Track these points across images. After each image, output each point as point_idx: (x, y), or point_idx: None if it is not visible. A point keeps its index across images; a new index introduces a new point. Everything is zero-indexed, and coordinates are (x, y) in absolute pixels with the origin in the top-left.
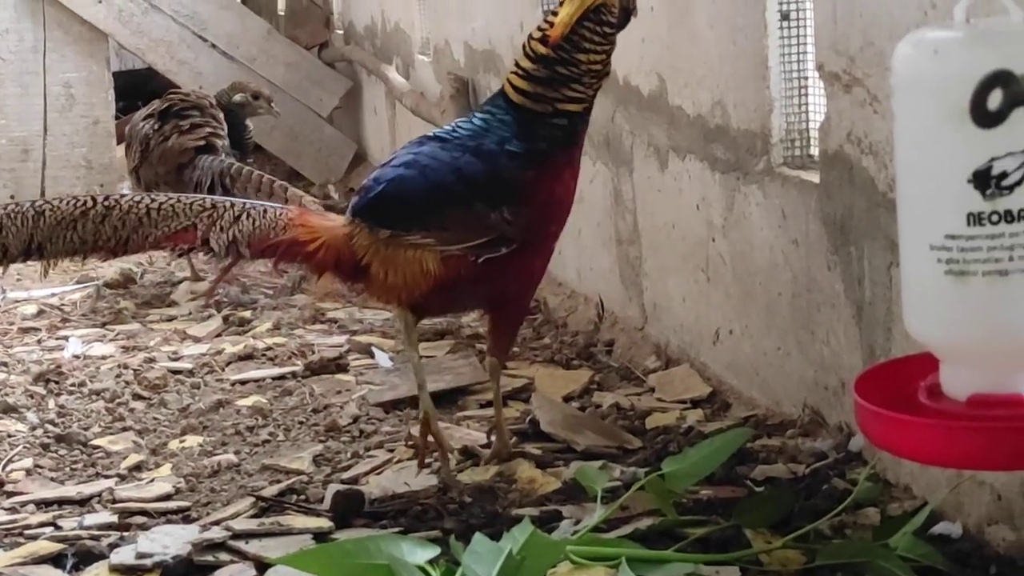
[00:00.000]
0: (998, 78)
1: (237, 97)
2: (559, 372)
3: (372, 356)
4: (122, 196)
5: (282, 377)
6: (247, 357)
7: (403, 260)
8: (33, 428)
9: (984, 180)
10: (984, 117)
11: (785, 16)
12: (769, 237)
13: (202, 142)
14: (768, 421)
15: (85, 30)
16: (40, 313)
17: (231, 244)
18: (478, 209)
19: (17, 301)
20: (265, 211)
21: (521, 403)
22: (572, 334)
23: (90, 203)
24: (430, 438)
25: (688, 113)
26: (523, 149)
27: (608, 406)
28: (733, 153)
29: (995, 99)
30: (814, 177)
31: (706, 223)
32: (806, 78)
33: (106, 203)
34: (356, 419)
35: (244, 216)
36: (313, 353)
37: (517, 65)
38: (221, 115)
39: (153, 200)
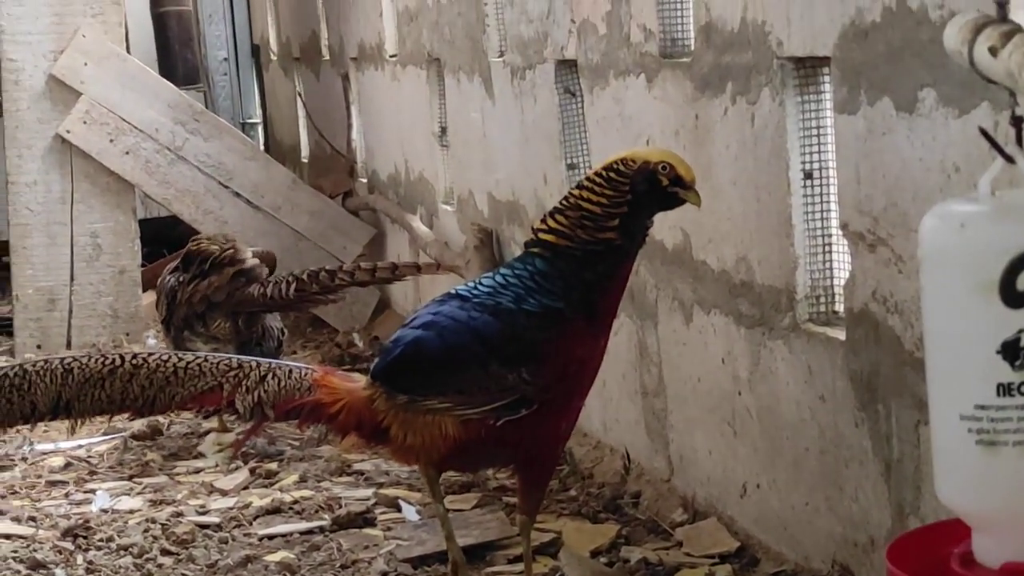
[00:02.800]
0: None
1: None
2: (586, 525)
3: (399, 510)
4: (150, 354)
5: (310, 532)
6: (274, 511)
7: (422, 424)
8: None
9: (1013, 351)
10: (1013, 297)
11: (808, 175)
12: (795, 392)
13: (235, 269)
14: None
15: (112, 181)
16: (67, 466)
17: (256, 406)
18: (495, 370)
19: (44, 453)
20: (290, 372)
21: (549, 558)
22: (599, 486)
23: (118, 361)
24: None
25: (713, 268)
26: (540, 308)
27: (636, 561)
28: (758, 308)
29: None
30: (840, 334)
31: (732, 377)
32: (830, 236)
33: (134, 361)
34: (384, 574)
35: (269, 376)
36: (340, 507)
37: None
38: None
39: (180, 359)
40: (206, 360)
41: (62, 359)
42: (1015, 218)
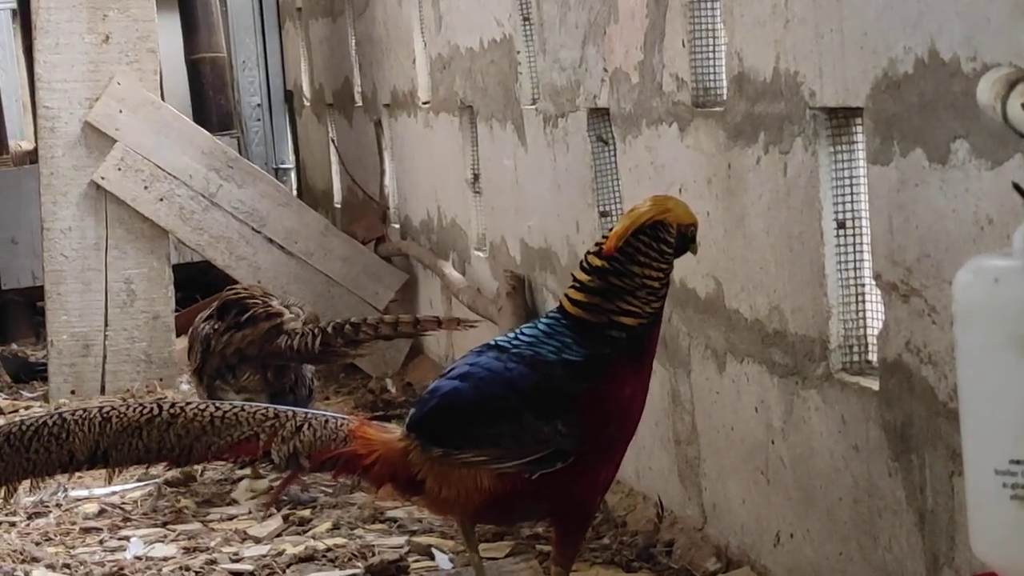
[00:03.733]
0: None
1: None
2: (620, 575)
3: (433, 558)
4: (187, 403)
5: None
6: (308, 558)
7: (457, 477)
8: None
9: None
10: None
11: (841, 224)
12: (829, 442)
13: (271, 323)
14: None
15: (146, 227)
16: (102, 512)
17: (292, 456)
18: (529, 422)
19: (79, 500)
20: (326, 422)
21: None
22: (631, 534)
23: (156, 410)
24: None
25: (746, 317)
26: (582, 357)
27: None
28: (791, 358)
29: None
30: (873, 384)
31: (765, 426)
32: (863, 285)
33: (171, 410)
34: None
35: (305, 427)
36: (373, 555)
37: (574, 278)
38: (278, 302)
39: (217, 408)
40: (243, 410)
41: (100, 407)
42: None
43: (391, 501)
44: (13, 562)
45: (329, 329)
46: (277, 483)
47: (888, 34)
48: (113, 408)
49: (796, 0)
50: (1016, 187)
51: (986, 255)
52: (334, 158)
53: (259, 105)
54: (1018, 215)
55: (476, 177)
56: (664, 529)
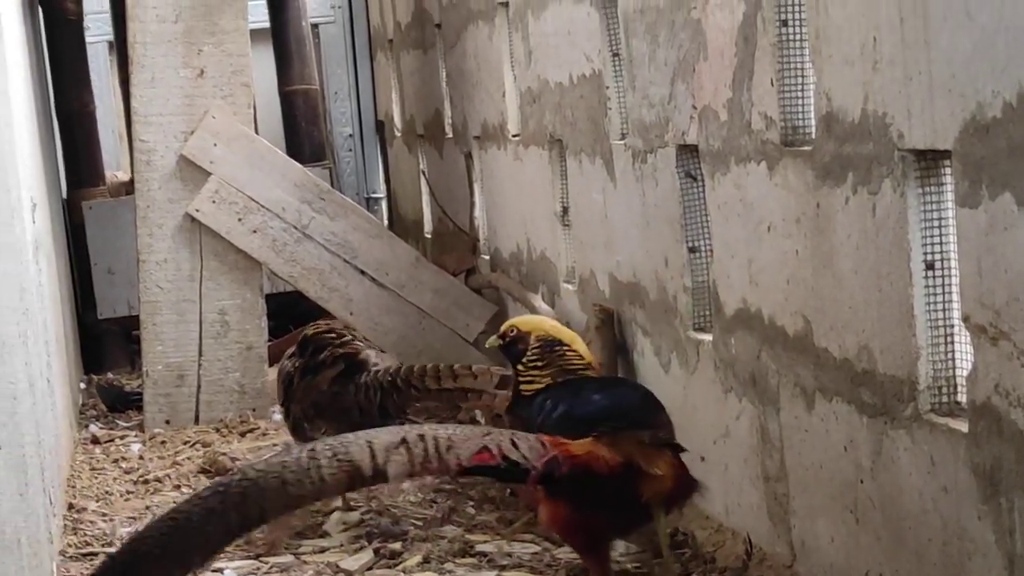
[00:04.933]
0: None
1: None
2: None
3: None
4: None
5: None
6: None
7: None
8: None
9: None
10: None
11: (930, 266)
12: (918, 483)
13: (342, 365)
14: None
15: (240, 259)
16: None
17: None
18: None
19: None
20: (524, 435)
21: None
22: (720, 570)
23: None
24: None
25: (834, 356)
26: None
27: None
28: (880, 398)
29: None
30: (962, 426)
31: (854, 465)
32: (952, 327)
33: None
34: None
35: (515, 438)
36: None
37: None
38: (358, 336)
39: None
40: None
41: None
42: None
43: (480, 535)
44: None
45: (386, 384)
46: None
47: (976, 78)
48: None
49: (884, 42)
50: None
51: None
52: (424, 189)
53: (351, 135)
54: None
55: (565, 210)
56: (753, 566)
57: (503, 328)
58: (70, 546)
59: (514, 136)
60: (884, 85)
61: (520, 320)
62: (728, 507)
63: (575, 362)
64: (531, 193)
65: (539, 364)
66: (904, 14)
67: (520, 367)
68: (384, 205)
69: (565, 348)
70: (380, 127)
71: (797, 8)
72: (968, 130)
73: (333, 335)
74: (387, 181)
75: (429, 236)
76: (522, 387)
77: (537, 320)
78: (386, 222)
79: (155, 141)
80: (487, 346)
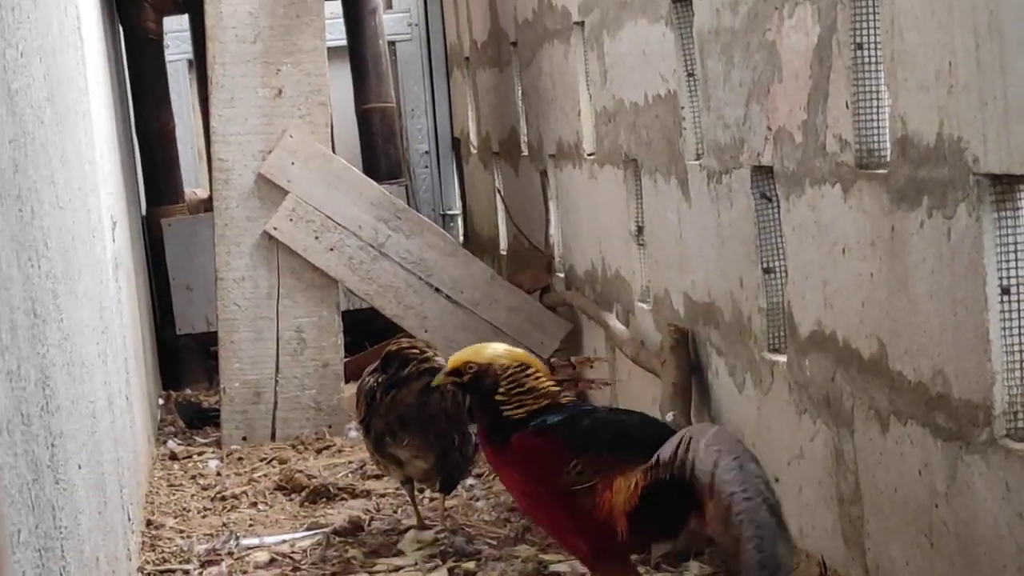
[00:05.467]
0: None
1: None
2: None
3: None
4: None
5: None
6: None
7: None
8: None
9: None
10: None
11: (1005, 291)
12: (993, 508)
13: (428, 379)
14: None
15: (317, 277)
16: (272, 561)
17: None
18: None
19: (250, 548)
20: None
21: None
22: None
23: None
24: None
25: (909, 379)
26: None
27: None
28: (955, 422)
29: None
30: None
31: (929, 489)
32: None
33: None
34: None
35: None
36: None
37: None
38: (439, 353)
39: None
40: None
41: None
42: None
43: (554, 555)
44: None
45: None
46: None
47: None
48: None
49: (960, 67)
50: None
51: None
52: (500, 206)
53: (427, 152)
54: None
55: (640, 229)
56: None
57: (452, 366)
58: (148, 563)
59: (589, 155)
60: (959, 110)
61: (469, 354)
62: (802, 529)
63: (545, 383)
64: (606, 212)
65: (522, 390)
66: (979, 39)
67: (500, 397)
68: (460, 222)
69: (534, 371)
70: (456, 144)
71: (872, 31)
72: None
73: (416, 351)
74: (463, 198)
75: (505, 253)
76: (507, 413)
77: (486, 350)
78: (461, 239)
79: (233, 160)
80: (433, 384)
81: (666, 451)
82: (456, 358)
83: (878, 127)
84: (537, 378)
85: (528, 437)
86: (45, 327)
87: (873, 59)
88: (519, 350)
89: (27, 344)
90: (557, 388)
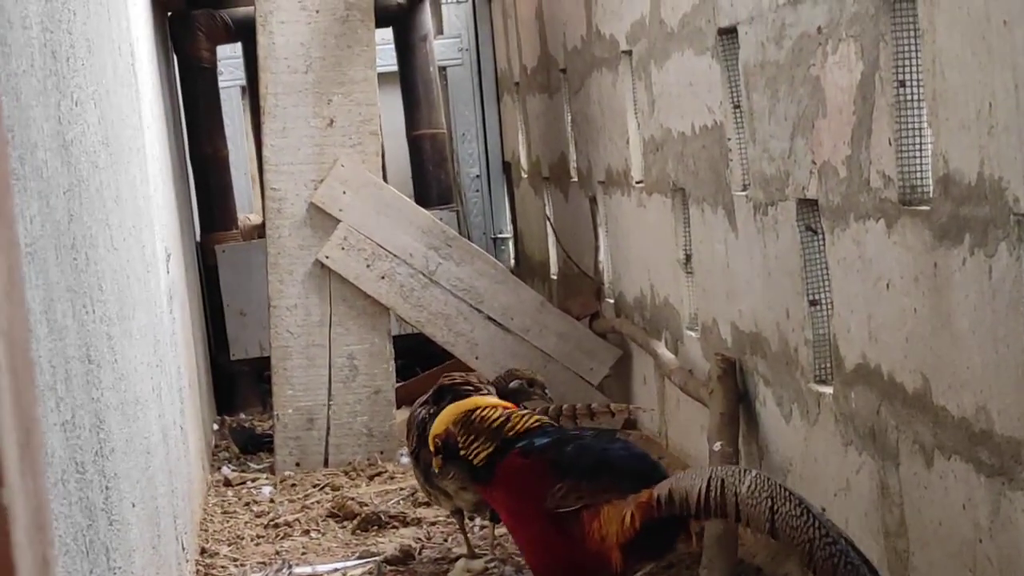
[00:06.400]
0: None
1: (513, 384)
2: None
3: None
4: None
5: None
6: None
7: None
8: None
9: None
10: None
11: None
12: None
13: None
14: None
15: (368, 304)
16: None
17: None
18: None
19: None
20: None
21: None
22: None
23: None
24: None
25: (952, 414)
26: None
27: None
28: (998, 458)
29: None
30: None
31: (973, 524)
32: None
33: None
34: None
35: None
36: None
37: None
38: (493, 391)
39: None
40: None
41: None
42: None
43: None
44: None
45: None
46: None
47: None
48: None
49: (1000, 108)
50: None
51: None
52: (550, 232)
53: (478, 176)
54: None
55: (688, 258)
56: None
57: (432, 443)
58: None
59: (638, 183)
60: (999, 150)
61: (434, 427)
62: None
63: (492, 415)
64: (654, 239)
65: (472, 437)
66: (1019, 81)
67: (463, 452)
68: (511, 245)
69: (478, 411)
70: (507, 168)
71: (915, 70)
72: None
73: (469, 387)
74: (513, 221)
75: (555, 278)
76: (475, 460)
77: (442, 416)
78: (512, 262)
79: (286, 189)
80: (436, 470)
81: (683, 488)
82: (432, 434)
83: (920, 164)
84: (482, 417)
85: (514, 458)
86: (99, 371)
87: (915, 97)
88: (468, 400)
89: (81, 391)
90: (504, 407)
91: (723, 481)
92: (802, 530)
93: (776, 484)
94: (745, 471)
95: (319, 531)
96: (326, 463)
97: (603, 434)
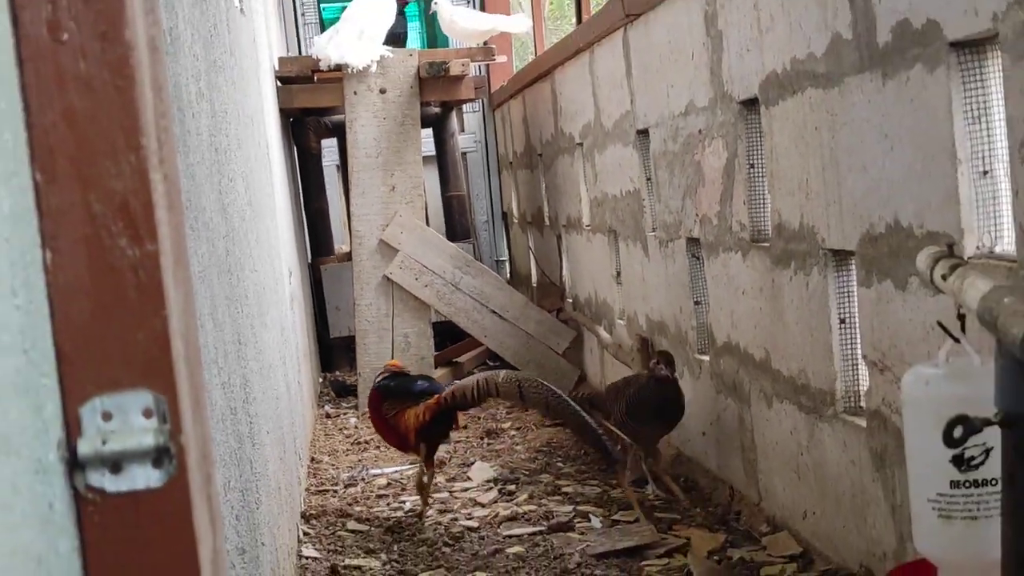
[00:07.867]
0: (959, 420)
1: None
2: None
3: (589, 520)
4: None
5: (534, 534)
6: (513, 518)
7: None
8: (383, 564)
9: (959, 461)
10: (950, 441)
11: (842, 321)
12: (836, 457)
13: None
14: None
15: (416, 303)
16: (388, 484)
17: None
18: None
19: (375, 475)
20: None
21: None
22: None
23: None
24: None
25: (784, 374)
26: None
27: None
28: (812, 402)
29: (958, 431)
30: (862, 423)
31: (796, 443)
32: (857, 361)
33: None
34: (579, 564)
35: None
36: (553, 517)
37: None
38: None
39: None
40: None
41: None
42: (960, 381)
43: (565, 480)
44: (336, 517)
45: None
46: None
47: (869, 208)
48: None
49: (813, 181)
50: (939, 324)
51: (921, 364)
52: (531, 257)
53: (486, 221)
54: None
55: (618, 274)
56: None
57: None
58: (311, 485)
59: (587, 226)
60: (813, 208)
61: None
62: (719, 466)
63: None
64: (597, 262)
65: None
66: (824, 164)
67: (407, 418)
68: (507, 265)
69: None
70: (504, 216)
71: (760, 157)
72: (864, 239)
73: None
74: (509, 249)
75: (535, 286)
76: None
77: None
78: (508, 276)
79: (364, 231)
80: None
81: (463, 387)
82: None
83: (764, 216)
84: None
85: (372, 391)
86: (246, 349)
87: (760, 174)
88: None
89: (234, 362)
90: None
91: (487, 378)
92: (539, 393)
93: (521, 374)
94: (501, 372)
95: (385, 447)
96: None
97: (425, 378)
